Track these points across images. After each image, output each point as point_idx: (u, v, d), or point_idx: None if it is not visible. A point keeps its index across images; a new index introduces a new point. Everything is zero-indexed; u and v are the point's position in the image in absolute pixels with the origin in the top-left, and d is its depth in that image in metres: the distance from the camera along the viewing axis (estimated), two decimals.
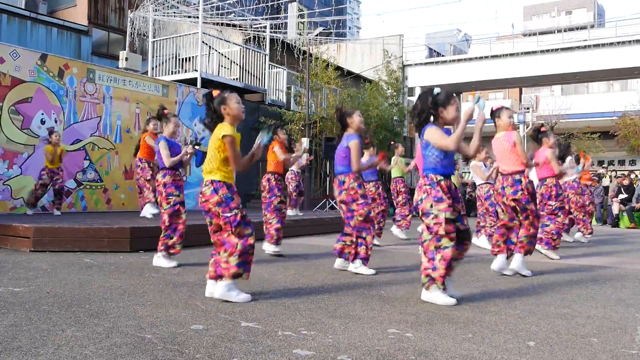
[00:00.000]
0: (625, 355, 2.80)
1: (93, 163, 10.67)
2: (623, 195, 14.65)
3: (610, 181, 16.34)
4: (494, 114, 5.41)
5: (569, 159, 8.49)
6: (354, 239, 5.21)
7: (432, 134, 3.90)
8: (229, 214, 3.81)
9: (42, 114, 9.78)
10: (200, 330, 3.03)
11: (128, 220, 7.94)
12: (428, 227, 3.88)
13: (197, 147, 5.61)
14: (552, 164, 6.71)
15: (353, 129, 5.25)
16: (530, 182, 5.31)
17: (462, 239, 3.94)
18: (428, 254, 3.88)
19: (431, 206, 3.86)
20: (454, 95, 4.04)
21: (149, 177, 8.18)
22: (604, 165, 22.44)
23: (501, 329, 3.24)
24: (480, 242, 7.84)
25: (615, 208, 14.59)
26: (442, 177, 3.90)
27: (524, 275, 5.24)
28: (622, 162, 32.31)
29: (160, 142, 5.56)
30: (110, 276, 4.76)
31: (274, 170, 6.51)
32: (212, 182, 3.86)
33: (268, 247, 6.40)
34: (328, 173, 15.86)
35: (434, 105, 3.92)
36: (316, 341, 2.88)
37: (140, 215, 8.41)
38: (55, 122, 9.96)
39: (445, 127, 4.01)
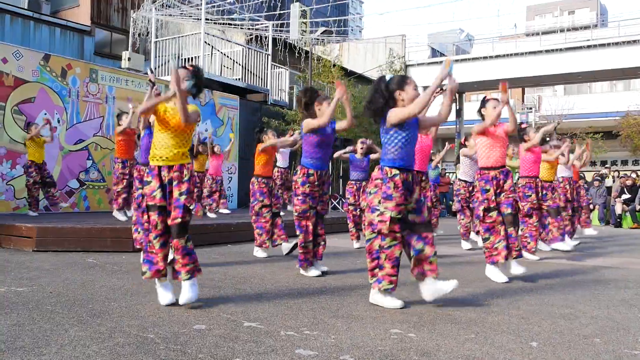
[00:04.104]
0: (629, 355, 2.79)
1: (96, 163, 10.69)
2: (626, 196, 14.62)
3: (613, 181, 16.29)
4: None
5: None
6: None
7: (394, 112, 3.69)
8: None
9: (45, 114, 9.78)
10: (203, 330, 3.03)
11: (130, 220, 7.94)
12: (371, 224, 3.71)
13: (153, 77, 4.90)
14: (530, 145, 6.67)
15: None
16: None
17: (418, 231, 3.72)
18: (372, 253, 3.73)
19: (379, 202, 3.68)
20: (409, 76, 3.86)
21: (117, 180, 7.89)
22: (607, 166, 22.37)
23: (504, 329, 3.23)
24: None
25: (618, 208, 14.55)
26: (397, 172, 3.70)
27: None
28: (625, 162, 32.20)
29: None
30: (113, 276, 4.77)
31: (259, 173, 6.41)
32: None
33: (254, 251, 6.45)
34: (341, 174, 15.83)
35: (388, 91, 3.72)
36: (319, 341, 2.88)
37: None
38: (58, 122, 9.98)
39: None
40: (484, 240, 5.03)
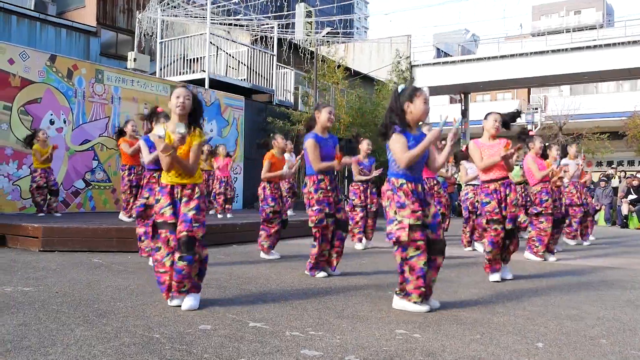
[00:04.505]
0: (635, 357, 2.78)
1: (101, 163, 10.72)
2: (632, 196, 14.55)
3: (620, 182, 16.22)
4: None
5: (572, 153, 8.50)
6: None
7: (394, 143, 3.64)
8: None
9: (51, 114, 9.83)
10: (208, 330, 3.04)
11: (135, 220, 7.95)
12: (390, 234, 3.62)
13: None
14: (532, 170, 6.63)
15: (319, 125, 5.10)
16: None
17: (431, 251, 3.60)
18: (398, 267, 3.65)
19: (395, 213, 3.61)
20: (421, 88, 3.73)
21: (126, 188, 7.85)
22: (613, 166, 22.28)
23: (509, 330, 3.22)
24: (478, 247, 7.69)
25: (625, 209, 14.49)
26: (404, 181, 3.64)
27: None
28: (631, 163, 32.10)
29: (140, 141, 5.70)
30: (118, 276, 4.78)
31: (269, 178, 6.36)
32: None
33: (262, 255, 6.41)
34: (346, 175, 15.81)
35: (399, 103, 3.65)
36: (324, 341, 2.88)
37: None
38: (64, 122, 10.02)
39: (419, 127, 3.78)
40: (487, 252, 5.00)
